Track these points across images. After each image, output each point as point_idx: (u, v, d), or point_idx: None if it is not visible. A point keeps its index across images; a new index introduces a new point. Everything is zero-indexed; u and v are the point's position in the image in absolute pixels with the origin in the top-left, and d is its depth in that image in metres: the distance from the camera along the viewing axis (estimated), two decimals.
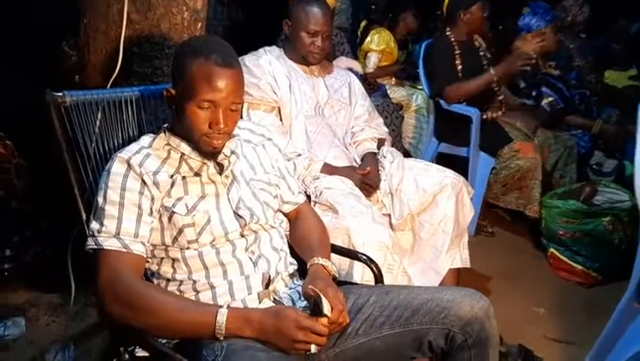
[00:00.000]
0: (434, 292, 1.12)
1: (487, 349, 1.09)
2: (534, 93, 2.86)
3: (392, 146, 3.05)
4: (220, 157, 1.20)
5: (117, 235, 1.08)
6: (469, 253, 1.96)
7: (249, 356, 0.96)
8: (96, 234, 1.08)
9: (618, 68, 3.53)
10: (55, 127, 1.16)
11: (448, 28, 2.75)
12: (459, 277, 1.94)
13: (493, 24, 2.63)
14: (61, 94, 1.17)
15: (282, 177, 1.35)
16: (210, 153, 1.17)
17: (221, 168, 1.20)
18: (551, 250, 2.46)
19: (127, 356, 1.08)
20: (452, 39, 2.71)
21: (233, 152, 1.25)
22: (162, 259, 1.16)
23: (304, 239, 1.30)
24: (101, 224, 1.08)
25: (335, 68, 2.18)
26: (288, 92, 1.90)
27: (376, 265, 1.36)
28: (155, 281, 1.17)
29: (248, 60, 1.91)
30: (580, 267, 2.36)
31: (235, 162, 1.24)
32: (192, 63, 1.10)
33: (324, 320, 1.01)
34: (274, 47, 2.03)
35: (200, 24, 1.57)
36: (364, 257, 1.37)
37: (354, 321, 1.12)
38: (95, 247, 1.07)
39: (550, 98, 2.78)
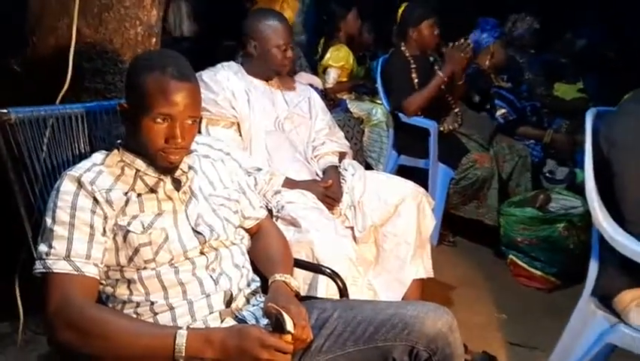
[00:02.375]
0: (398, 308, 1.11)
1: None
2: (488, 106, 2.96)
3: (354, 159, 3.11)
4: (177, 173, 1.17)
5: (67, 258, 1.02)
6: (432, 262, 1.98)
7: None
8: (44, 257, 1.02)
9: (567, 80, 3.70)
10: (0, 144, 1.10)
11: (402, 43, 2.82)
12: (423, 287, 1.96)
13: (448, 39, 2.70)
14: (5, 111, 1.12)
15: (242, 192, 1.32)
16: (167, 169, 1.14)
17: (178, 184, 1.16)
18: (511, 256, 2.52)
19: None
20: (407, 54, 2.78)
21: (191, 167, 1.22)
22: (117, 280, 1.11)
23: (265, 254, 1.28)
24: (50, 246, 1.03)
25: (295, 82, 2.19)
26: (247, 107, 1.89)
27: (340, 279, 1.35)
28: (111, 305, 1.12)
29: (205, 76, 1.89)
30: (539, 272, 2.43)
31: (193, 177, 1.21)
32: (147, 76, 1.07)
33: (288, 337, 0.99)
34: (232, 63, 2.02)
35: (154, 39, 1.54)
36: (328, 271, 1.36)
37: (318, 337, 1.10)
38: (44, 270, 1.02)
39: (503, 110, 2.89)
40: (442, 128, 2.68)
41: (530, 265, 2.44)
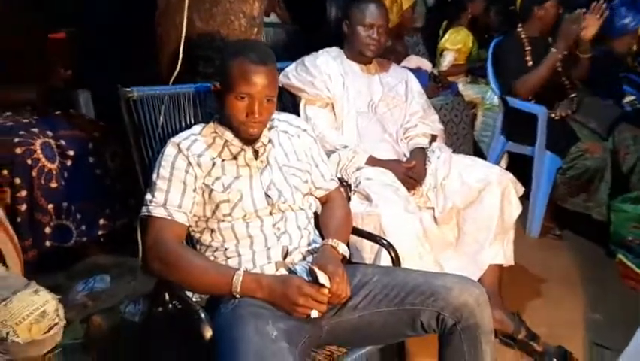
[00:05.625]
0: (429, 277, 1.20)
1: (478, 335, 1.15)
2: (615, 91, 2.69)
3: (462, 144, 3.08)
4: (258, 145, 1.37)
5: (164, 205, 1.29)
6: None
7: (253, 310, 1.13)
8: (148, 203, 1.31)
9: None
10: (124, 116, 1.42)
11: (519, 25, 2.70)
12: (502, 274, 1.94)
13: None
14: (129, 90, 1.43)
15: (314, 165, 1.49)
16: (249, 140, 1.35)
17: (257, 154, 1.37)
18: (620, 256, 2.32)
19: (169, 305, 1.30)
20: (523, 36, 2.66)
21: (270, 140, 1.41)
22: (204, 229, 1.36)
23: (327, 222, 1.44)
24: (153, 195, 1.31)
25: (393, 66, 2.27)
26: (342, 89, 2.04)
27: (394, 250, 1.45)
28: (197, 247, 1.38)
29: (307, 60, 2.08)
30: None
31: (271, 149, 1.41)
32: (233, 61, 1.29)
33: (325, 290, 1.15)
34: (334, 48, 2.18)
35: (256, 29, 1.77)
36: (384, 242, 1.48)
37: (356, 296, 1.24)
38: (147, 213, 1.30)
39: (632, 97, 2.60)
40: (553, 115, 2.54)
41: None
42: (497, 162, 2.83)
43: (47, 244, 1.89)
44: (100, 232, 2.09)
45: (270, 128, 1.43)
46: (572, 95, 2.55)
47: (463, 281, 1.17)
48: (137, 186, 1.52)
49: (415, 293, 1.18)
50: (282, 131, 1.47)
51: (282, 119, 1.50)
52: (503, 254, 1.91)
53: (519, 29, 2.68)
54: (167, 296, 1.28)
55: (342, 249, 1.32)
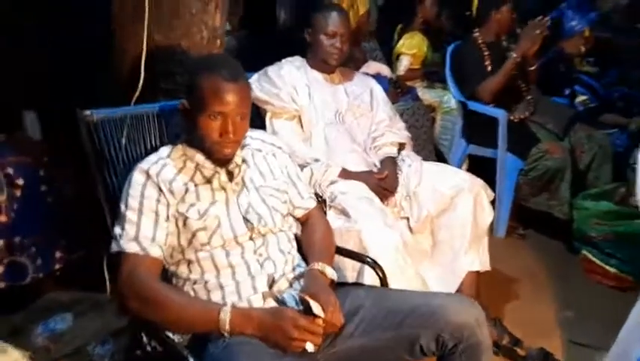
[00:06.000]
0: (426, 297, 1.17)
1: (479, 354, 1.12)
2: (567, 92, 2.79)
3: (423, 148, 3.10)
4: (231, 165, 1.29)
5: (136, 239, 1.19)
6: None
7: (247, 350, 1.05)
8: (118, 238, 1.20)
9: None
10: (85, 141, 1.30)
11: (476, 30, 2.74)
12: (479, 281, 1.95)
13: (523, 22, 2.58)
14: (89, 112, 1.31)
15: (291, 183, 1.43)
16: (222, 161, 1.27)
17: (231, 176, 1.29)
18: (584, 252, 2.40)
19: (148, 347, 1.20)
20: (480, 41, 2.71)
21: (244, 160, 1.34)
22: (179, 260, 1.26)
23: (309, 243, 1.39)
24: (123, 229, 1.21)
25: (356, 74, 2.25)
26: (308, 100, 1.99)
27: (381, 269, 1.41)
28: (174, 281, 1.28)
29: (271, 71, 2.02)
30: (613, 270, 2.30)
31: (246, 170, 1.33)
32: (203, 79, 1.21)
33: (319, 321, 1.09)
34: (297, 57, 2.12)
35: (218, 41, 1.68)
36: (369, 260, 1.43)
37: (350, 323, 1.19)
38: (117, 249, 1.20)
39: (584, 97, 2.71)
40: (512, 117, 2.60)
41: (605, 262, 2.32)
42: (459, 166, 2.87)
43: (1, 285, 1.72)
44: (56, 266, 1.93)
45: (243, 147, 1.35)
46: (528, 97, 2.62)
47: (460, 300, 1.14)
48: (96, 213, 1.40)
49: (414, 315, 1.14)
50: (256, 150, 1.40)
51: (255, 137, 1.43)
52: (479, 260, 1.92)
53: (476, 34, 2.73)
54: (144, 338, 1.18)
55: (330, 273, 1.27)
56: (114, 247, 1.21)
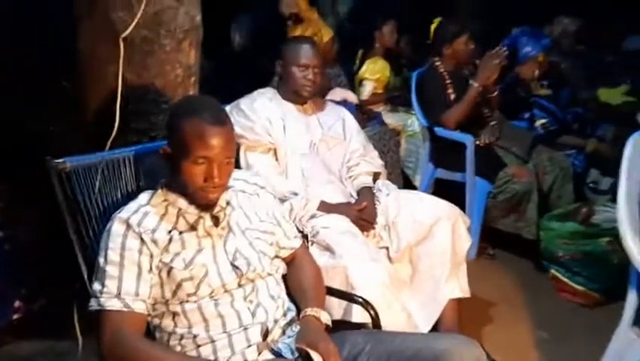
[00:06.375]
0: (428, 341, 1.15)
1: None
2: (527, 116, 2.91)
3: (391, 172, 3.13)
4: (216, 209, 1.24)
5: (118, 296, 1.12)
6: (471, 276, 1.97)
7: None
8: (98, 295, 1.13)
9: (611, 84, 3.56)
10: (57, 191, 1.21)
11: (437, 58, 2.82)
12: (460, 307, 1.96)
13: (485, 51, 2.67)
14: (61, 161, 1.23)
15: (277, 224, 1.39)
16: (206, 206, 1.22)
17: (216, 221, 1.24)
18: (552, 271, 2.47)
19: None
20: (441, 70, 2.78)
21: (228, 203, 1.29)
22: (163, 313, 1.19)
23: (299, 286, 1.34)
24: (103, 285, 1.13)
25: (328, 104, 2.25)
26: (283, 133, 1.96)
27: (373, 308, 1.39)
28: (158, 335, 1.21)
29: (243, 104, 1.98)
30: (581, 288, 2.37)
31: (231, 213, 1.29)
32: (186, 123, 1.16)
33: None
34: (268, 89, 2.10)
35: (193, 78, 1.63)
36: (361, 300, 1.41)
37: None
38: (98, 307, 1.12)
39: (543, 120, 2.83)
40: (478, 142, 2.67)
41: (572, 281, 2.39)
42: (427, 190, 2.91)
43: None
44: (15, 316, 1.80)
45: (227, 189, 1.30)
46: (493, 123, 2.70)
47: (463, 343, 1.13)
48: (61, 258, 1.31)
49: (417, 360, 1.11)
50: (240, 191, 1.36)
51: (238, 178, 1.38)
52: (460, 287, 1.93)
53: (437, 63, 2.80)
54: None
55: (325, 318, 1.23)
56: (94, 305, 1.13)
